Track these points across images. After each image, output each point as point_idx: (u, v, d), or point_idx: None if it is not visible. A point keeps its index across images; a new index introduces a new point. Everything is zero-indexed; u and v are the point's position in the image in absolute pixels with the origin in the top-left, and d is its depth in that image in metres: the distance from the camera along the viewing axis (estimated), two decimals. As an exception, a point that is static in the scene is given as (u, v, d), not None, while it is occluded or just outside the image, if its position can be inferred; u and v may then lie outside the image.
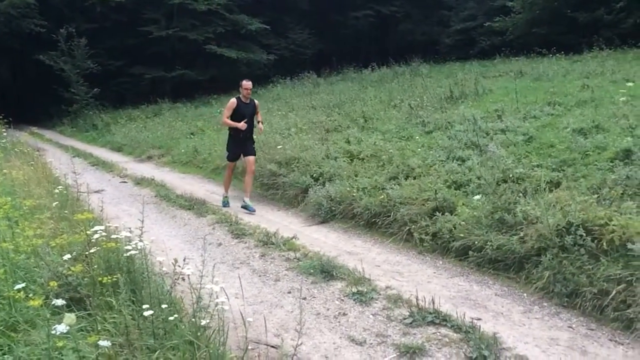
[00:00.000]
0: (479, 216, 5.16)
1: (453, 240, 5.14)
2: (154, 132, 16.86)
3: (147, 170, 11.85)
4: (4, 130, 11.93)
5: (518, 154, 6.94)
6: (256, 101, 8.16)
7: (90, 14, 28.66)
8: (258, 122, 8.03)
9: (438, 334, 3.58)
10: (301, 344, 3.24)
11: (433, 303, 3.94)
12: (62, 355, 2.46)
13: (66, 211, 5.23)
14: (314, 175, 7.79)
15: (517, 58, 18.13)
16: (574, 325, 3.70)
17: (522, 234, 4.60)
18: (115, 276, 3.16)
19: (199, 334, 2.83)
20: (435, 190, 5.85)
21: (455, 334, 3.56)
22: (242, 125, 7.62)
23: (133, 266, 3.57)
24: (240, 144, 7.87)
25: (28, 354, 2.59)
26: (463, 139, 8.04)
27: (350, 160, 8.20)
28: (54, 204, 5.34)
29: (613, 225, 4.09)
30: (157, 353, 2.69)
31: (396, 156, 7.74)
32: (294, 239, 5.87)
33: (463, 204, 5.70)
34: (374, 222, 6.21)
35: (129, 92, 28.56)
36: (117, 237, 3.67)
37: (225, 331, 2.94)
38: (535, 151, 7.00)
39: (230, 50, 28.08)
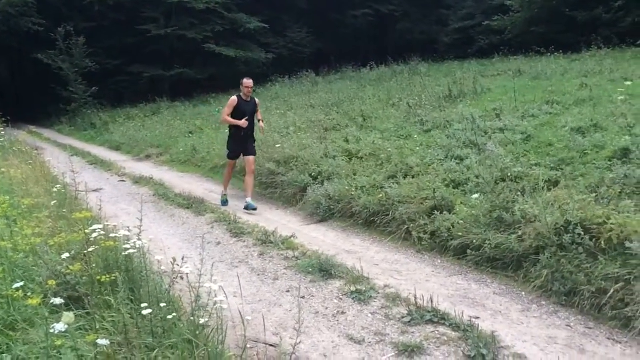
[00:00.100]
0: (478, 215, 5.17)
1: (451, 239, 5.15)
2: (152, 131, 16.85)
3: (145, 169, 11.85)
4: (2, 129, 11.90)
5: (516, 153, 6.94)
6: (257, 99, 8.14)
7: (89, 13, 28.63)
8: (259, 120, 8.00)
9: (436, 332, 3.59)
10: (300, 342, 3.24)
11: (431, 302, 3.94)
12: (60, 354, 2.46)
13: (64, 210, 5.22)
14: (313, 174, 7.79)
15: (515, 57, 18.14)
16: (572, 324, 3.71)
17: (520, 233, 4.60)
18: (113, 275, 3.16)
19: (197, 332, 2.83)
20: (434, 189, 5.86)
21: (453, 333, 3.56)
22: (243, 122, 7.60)
23: (132, 265, 3.57)
24: (240, 142, 7.84)
25: (26, 353, 2.59)
26: (462, 137, 8.04)
27: (349, 159, 8.20)
28: (53, 202, 5.34)
29: (611, 224, 4.09)
30: (155, 352, 2.69)
31: (395, 155, 7.74)
32: (292, 238, 5.88)
33: (461, 203, 5.70)
34: (373, 221, 6.21)
35: (127, 90, 28.55)
36: (115, 236, 3.66)
37: (224, 330, 2.94)
38: (534, 150, 7.00)
39: (228, 49, 28.06)
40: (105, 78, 27.76)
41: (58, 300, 2.59)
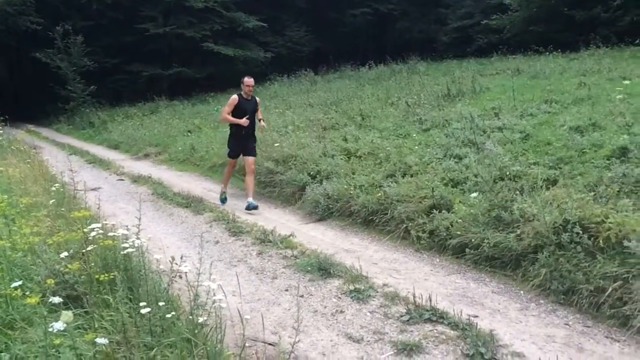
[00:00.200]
0: (476, 214, 5.17)
1: (450, 238, 5.15)
2: (150, 130, 16.84)
3: (144, 168, 11.84)
4: (0, 128, 11.89)
5: (515, 152, 6.94)
6: (257, 98, 8.08)
7: (87, 12, 28.62)
8: (259, 120, 7.95)
9: (435, 331, 3.59)
10: (298, 341, 3.24)
11: (430, 300, 3.94)
12: (59, 353, 2.46)
13: (63, 209, 5.22)
14: (311, 173, 7.79)
15: (514, 56, 18.18)
16: (570, 323, 3.71)
17: (518, 232, 4.61)
18: (112, 274, 3.16)
19: (196, 331, 2.83)
20: (433, 188, 5.86)
21: (452, 331, 3.56)
22: (244, 121, 7.54)
23: (130, 264, 3.57)
24: (241, 141, 7.77)
25: (25, 352, 2.59)
26: (460, 136, 8.04)
27: (348, 158, 8.20)
28: (51, 201, 5.34)
29: (609, 222, 4.10)
30: (154, 350, 2.69)
31: (393, 154, 7.74)
32: (291, 237, 5.87)
33: (460, 202, 5.70)
34: (371, 220, 6.22)
35: (125, 89, 28.55)
36: (114, 235, 3.66)
37: (223, 329, 2.94)
38: (532, 149, 7.01)
39: (227, 47, 28.07)
40: (103, 77, 27.75)
41: (57, 299, 2.59)
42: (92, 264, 3.38)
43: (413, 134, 9.15)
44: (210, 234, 6.25)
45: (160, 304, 2.92)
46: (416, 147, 8.11)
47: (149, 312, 2.75)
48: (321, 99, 15.18)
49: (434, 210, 5.55)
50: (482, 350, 3.25)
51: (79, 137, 20.23)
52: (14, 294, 2.87)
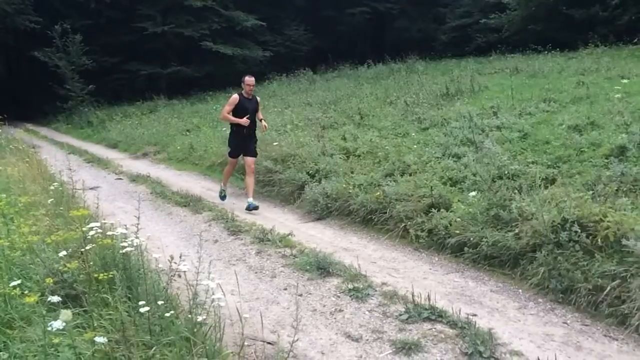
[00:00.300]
0: (475, 213, 5.17)
1: (449, 237, 5.15)
2: (149, 129, 16.82)
3: (142, 167, 11.83)
4: (-2, 127, 11.89)
5: (513, 151, 6.96)
6: (258, 98, 8.00)
7: (85, 11, 28.61)
8: (260, 120, 7.86)
9: (434, 330, 3.59)
10: (297, 340, 3.24)
11: (429, 299, 3.95)
12: (58, 352, 2.46)
13: (62, 208, 5.21)
14: (310, 172, 7.79)
15: (512, 55, 18.22)
16: (568, 321, 3.72)
17: (517, 231, 4.61)
18: (111, 273, 3.16)
19: (195, 330, 2.83)
20: (431, 187, 5.87)
21: (450, 330, 3.57)
22: (244, 120, 7.45)
23: (129, 263, 3.57)
24: (242, 141, 7.68)
25: (24, 351, 2.59)
26: (459, 135, 8.05)
27: (346, 157, 8.20)
28: (50, 200, 5.33)
29: (608, 221, 4.10)
30: (153, 349, 2.69)
31: (392, 153, 7.74)
32: (290, 236, 5.88)
33: (459, 201, 5.71)
34: (370, 219, 6.22)
35: (124, 88, 28.50)
36: (112, 234, 3.66)
37: (222, 327, 2.94)
38: (531, 148, 7.02)
39: (225, 46, 28.06)
40: (102, 76, 27.71)
41: (55, 298, 2.59)
42: (91, 263, 3.37)
43: (412, 133, 9.16)
44: (209, 233, 6.25)
45: (159, 302, 2.92)
46: (415, 146, 8.11)
47: (147, 311, 2.75)
48: (320, 98, 15.18)
49: (433, 209, 5.55)
50: (481, 348, 3.26)
51: (78, 136, 20.21)
52: (12, 293, 2.88)
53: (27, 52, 27.61)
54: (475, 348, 3.26)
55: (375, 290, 4.31)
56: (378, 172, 7.04)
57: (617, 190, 4.86)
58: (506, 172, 5.88)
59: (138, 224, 3.62)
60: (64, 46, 25.92)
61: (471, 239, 4.92)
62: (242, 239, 5.95)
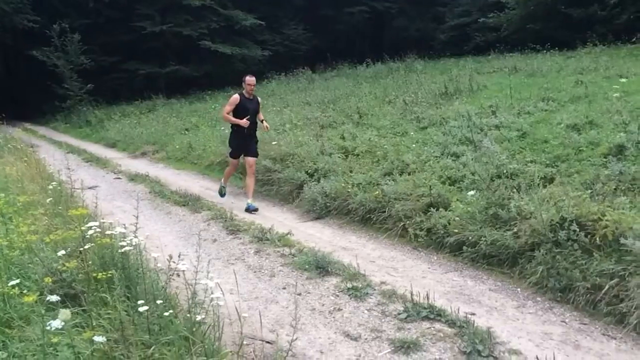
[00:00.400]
0: (473, 212, 5.18)
1: (447, 236, 5.16)
2: (148, 128, 16.81)
3: (141, 166, 11.83)
4: (-3, 126, 11.89)
5: (512, 150, 6.96)
6: (259, 98, 7.90)
7: (84, 10, 28.58)
8: (261, 121, 7.75)
9: (432, 328, 3.60)
10: (296, 339, 3.25)
11: (427, 298, 3.95)
12: (57, 351, 2.46)
13: (60, 207, 5.21)
14: (309, 171, 7.79)
15: (511, 54, 18.23)
16: (567, 320, 3.72)
17: (515, 230, 4.61)
18: (109, 272, 3.16)
19: (194, 329, 2.83)
20: (430, 186, 5.87)
21: (449, 329, 3.57)
22: (244, 122, 7.35)
23: (128, 262, 3.57)
24: (243, 141, 7.61)
25: (23, 350, 2.59)
26: (457, 134, 8.06)
27: (345, 156, 8.20)
28: (48, 200, 5.32)
29: (606, 220, 4.11)
30: (152, 349, 2.69)
31: (391, 152, 7.74)
32: (289, 235, 5.88)
33: (457, 200, 5.71)
34: (369, 218, 6.22)
35: (122, 88, 28.48)
36: (111, 233, 3.66)
37: (221, 327, 2.94)
38: (529, 147, 7.02)
39: (224, 46, 28.04)
40: (100, 75, 27.68)
41: (54, 298, 2.59)
42: (90, 263, 3.37)
43: (410, 132, 9.16)
44: (208, 232, 6.25)
45: (158, 302, 2.92)
46: (414, 145, 8.12)
47: (146, 310, 2.75)
48: (319, 97, 15.18)
49: (432, 208, 5.56)
50: (480, 347, 3.26)
51: (76, 136, 20.19)
52: (11, 293, 2.87)
53: (25, 51, 27.58)
54: (474, 347, 3.27)
55: (374, 289, 4.32)
56: (377, 171, 7.05)
57: (615, 189, 4.87)
58: (505, 171, 5.89)
59: (137, 223, 3.62)
60: (63, 45, 25.88)
61: (470, 238, 4.92)
62: (240, 238, 5.95)
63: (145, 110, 22.12)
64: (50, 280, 3.06)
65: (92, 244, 3.46)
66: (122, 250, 3.43)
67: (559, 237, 4.21)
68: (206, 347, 2.76)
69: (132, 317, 2.86)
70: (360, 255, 5.21)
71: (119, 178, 10.38)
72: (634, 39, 15.67)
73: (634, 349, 3.31)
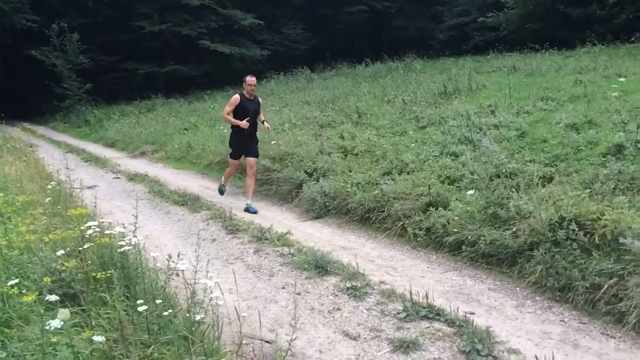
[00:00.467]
0: (472, 211, 5.18)
1: (446, 235, 5.16)
2: (147, 128, 16.80)
3: (140, 166, 11.82)
4: (-5, 126, 11.88)
5: (511, 149, 6.96)
6: (260, 99, 7.83)
7: (83, 9, 28.56)
8: (262, 122, 7.67)
9: (432, 328, 3.60)
10: (295, 338, 3.25)
11: (427, 297, 3.95)
12: (56, 351, 2.46)
13: (59, 207, 5.20)
14: (308, 171, 7.79)
15: (510, 53, 18.24)
16: (566, 319, 3.73)
17: (515, 229, 4.62)
18: (109, 272, 3.16)
19: (193, 329, 2.83)
20: (429, 186, 5.87)
21: (448, 328, 3.57)
22: (243, 124, 7.29)
23: (127, 262, 3.56)
24: (243, 142, 7.55)
25: (22, 350, 2.59)
26: (456, 134, 8.06)
27: (344, 155, 8.20)
28: (47, 199, 5.32)
29: (605, 219, 4.11)
30: (151, 348, 2.69)
31: (390, 151, 7.75)
32: (288, 235, 5.88)
33: (456, 199, 5.72)
34: (368, 217, 6.22)
35: (121, 87, 28.47)
36: (110, 233, 3.66)
37: (220, 326, 2.94)
38: (528, 146, 7.03)
39: (223, 45, 28.02)
40: (99, 75, 27.67)
41: (53, 297, 2.59)
42: (89, 262, 3.37)
43: (409, 131, 9.16)
44: (207, 232, 6.24)
45: (157, 301, 2.92)
46: (413, 144, 8.12)
47: (146, 310, 2.75)
48: (318, 97, 15.17)
49: (431, 208, 5.56)
50: (479, 347, 3.26)
51: (75, 135, 20.17)
52: (10, 292, 2.87)
53: (24, 50, 27.55)
54: (473, 346, 3.27)
55: (373, 289, 4.32)
56: (376, 171, 7.05)
57: (614, 188, 4.87)
58: (504, 171, 5.89)
59: (136, 222, 3.62)
60: (61, 45, 25.85)
61: (469, 237, 4.93)
62: (240, 238, 5.95)
63: (144, 109, 22.12)
64: (49, 279, 3.06)
65: (91, 244, 3.46)
66: (121, 249, 3.43)
67: (558, 236, 4.21)
68: (205, 346, 2.76)
69: (132, 316, 2.86)
70: (359, 254, 5.21)
71: (118, 178, 10.37)
72: (633, 39, 15.68)
73: (632, 348, 3.31)
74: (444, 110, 10.04)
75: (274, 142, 9.18)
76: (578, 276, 3.91)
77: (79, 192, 6.67)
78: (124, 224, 3.79)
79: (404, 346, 3.35)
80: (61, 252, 3.35)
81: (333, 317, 3.87)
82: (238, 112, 7.43)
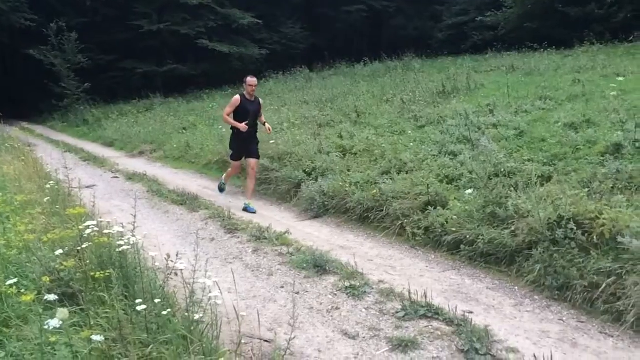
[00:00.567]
0: (471, 210, 5.19)
1: (445, 234, 5.17)
2: (145, 127, 16.78)
3: (139, 165, 11.81)
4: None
5: (510, 149, 6.97)
6: (261, 100, 7.74)
7: (81, 9, 28.53)
8: (263, 123, 7.60)
9: (430, 327, 3.60)
10: (294, 338, 3.25)
11: (425, 297, 3.96)
12: (55, 350, 2.46)
13: (58, 206, 5.20)
14: (307, 170, 7.79)
15: (508, 53, 18.24)
16: (564, 318, 3.73)
17: (513, 228, 4.62)
18: (107, 271, 3.16)
19: (192, 328, 2.83)
20: (428, 185, 5.88)
21: (447, 327, 3.58)
22: (243, 126, 7.20)
23: (125, 261, 3.56)
24: (243, 142, 7.49)
25: (21, 349, 2.59)
26: (455, 133, 8.07)
27: (343, 155, 8.20)
28: (46, 199, 5.32)
29: (603, 218, 4.12)
30: (150, 347, 2.69)
31: (389, 151, 7.75)
32: (286, 234, 5.88)
33: (455, 198, 5.72)
34: (367, 217, 6.23)
35: (120, 86, 28.44)
36: (109, 232, 3.65)
37: (219, 325, 2.94)
38: (527, 145, 7.03)
39: (222, 44, 27.98)
40: (97, 74, 27.63)
41: (52, 297, 2.59)
42: (88, 262, 3.37)
43: (408, 131, 9.16)
44: (206, 232, 6.24)
45: (156, 301, 2.92)
46: (411, 144, 8.12)
47: (144, 309, 2.75)
48: (316, 96, 15.17)
49: (429, 207, 5.56)
50: (477, 345, 3.27)
51: (73, 135, 20.15)
52: (9, 292, 2.87)
53: (22, 50, 27.51)
54: (472, 345, 3.28)
55: (372, 288, 4.32)
56: (374, 170, 7.05)
57: (612, 187, 4.88)
58: (502, 170, 5.90)
59: (134, 222, 3.61)
60: (60, 44, 25.81)
61: (467, 236, 4.93)
62: (238, 237, 5.95)
63: (143, 109, 22.10)
64: (48, 279, 3.06)
65: (90, 243, 3.46)
66: (120, 249, 3.42)
67: (556, 235, 4.22)
68: (204, 346, 2.76)
69: (130, 316, 2.86)
70: (358, 254, 5.21)
71: (117, 177, 10.36)
72: (631, 38, 15.69)
73: (631, 347, 3.32)
74: (442, 110, 10.04)
75: (273, 141, 9.18)
76: (576, 275, 3.92)
77: (77, 192, 6.65)
78: (122, 224, 3.78)
79: (403, 345, 3.36)
80: (60, 251, 3.35)
81: (332, 316, 3.87)
82: (238, 113, 7.36)
